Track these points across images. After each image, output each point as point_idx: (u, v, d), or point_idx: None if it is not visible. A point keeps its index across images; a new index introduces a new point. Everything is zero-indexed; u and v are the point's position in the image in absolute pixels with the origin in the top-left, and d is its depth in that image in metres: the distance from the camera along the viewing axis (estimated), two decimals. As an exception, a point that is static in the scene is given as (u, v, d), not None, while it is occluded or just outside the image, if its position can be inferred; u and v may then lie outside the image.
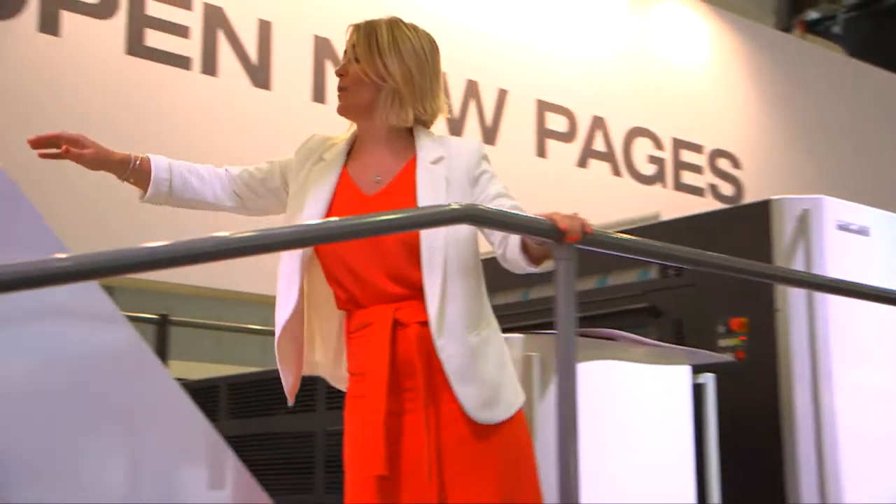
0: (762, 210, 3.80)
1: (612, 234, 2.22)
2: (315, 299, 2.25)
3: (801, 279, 3.00)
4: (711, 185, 7.57)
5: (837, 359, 3.55)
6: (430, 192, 2.18)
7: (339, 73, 2.28)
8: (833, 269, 3.59)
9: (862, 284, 2.89)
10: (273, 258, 2.16)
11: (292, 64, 5.89)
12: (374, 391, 2.07)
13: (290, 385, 2.25)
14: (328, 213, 2.19)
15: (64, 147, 2.21)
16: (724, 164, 7.67)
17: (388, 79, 2.21)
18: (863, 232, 3.74)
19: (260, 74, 5.78)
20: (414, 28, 2.32)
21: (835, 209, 3.72)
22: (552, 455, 1.94)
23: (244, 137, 5.49)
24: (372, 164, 2.26)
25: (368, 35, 2.24)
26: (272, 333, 2.23)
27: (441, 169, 2.22)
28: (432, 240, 2.13)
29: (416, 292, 2.13)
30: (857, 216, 3.76)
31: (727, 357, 3.41)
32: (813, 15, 9.52)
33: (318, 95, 5.90)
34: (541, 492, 2.16)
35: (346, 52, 2.29)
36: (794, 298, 3.60)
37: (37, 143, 2.24)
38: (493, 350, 2.19)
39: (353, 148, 2.31)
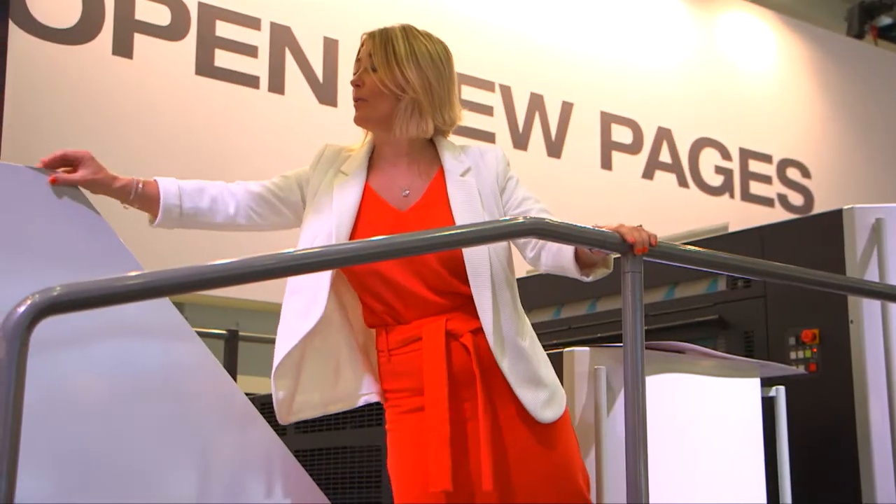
0: (834, 220, 3.74)
1: (681, 247, 2.20)
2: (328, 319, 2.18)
3: (876, 290, 2.93)
4: (780, 196, 7.46)
5: (914, 371, 3.47)
6: (466, 205, 2.17)
7: (356, 84, 2.23)
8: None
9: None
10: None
11: (357, 80, 5.95)
12: (436, 405, 2.06)
13: (284, 402, 2.21)
14: (356, 229, 2.16)
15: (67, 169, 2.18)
16: (793, 173, 7.55)
17: (408, 89, 2.18)
18: (939, 241, 3.65)
19: (326, 92, 5.85)
20: (428, 35, 2.27)
21: (909, 218, 3.64)
22: (621, 470, 1.93)
23: (311, 153, 5.55)
24: (396, 178, 2.23)
25: (385, 44, 2.21)
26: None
27: (471, 180, 2.21)
28: (475, 251, 2.13)
29: (462, 302, 2.14)
30: (933, 225, 3.67)
31: (798, 369, 3.35)
32: (885, 20, 9.35)
33: (383, 111, 5.95)
34: (588, 479, 2.20)
35: (359, 60, 2.25)
36: (868, 309, 3.53)
37: (49, 165, 2.19)
38: (539, 351, 2.22)
39: (371, 159, 2.28)
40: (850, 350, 3.53)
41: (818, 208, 7.23)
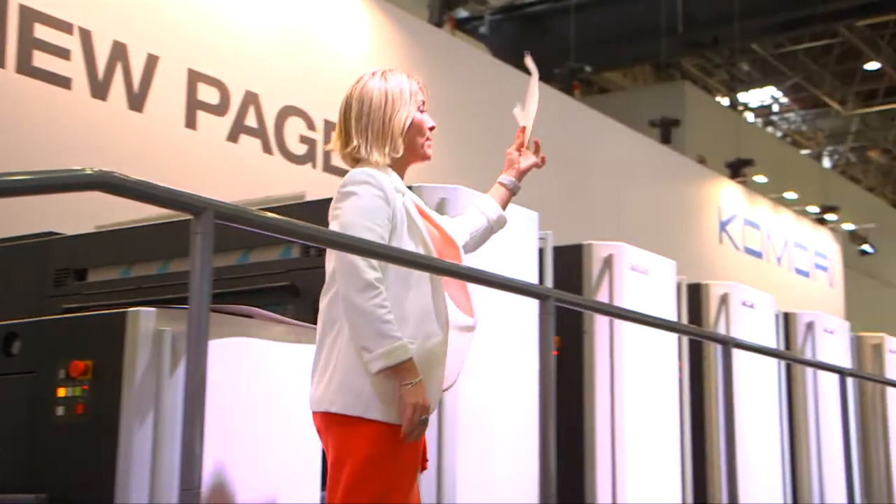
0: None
1: (255, 212, 2.19)
2: None
3: (432, 264, 3.10)
4: (360, 169, 7.74)
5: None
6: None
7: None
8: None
9: (486, 272, 3.05)
10: None
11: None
12: None
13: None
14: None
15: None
16: (372, 149, 7.86)
17: None
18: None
19: None
20: None
21: (469, 199, 3.93)
22: (177, 435, 1.89)
23: None
24: None
25: None
26: None
27: None
28: None
29: None
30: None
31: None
32: (462, 13, 10.01)
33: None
34: None
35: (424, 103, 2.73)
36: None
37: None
38: None
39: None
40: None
41: (393, 184, 7.59)
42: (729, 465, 3.40)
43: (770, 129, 19.54)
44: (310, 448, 2.93)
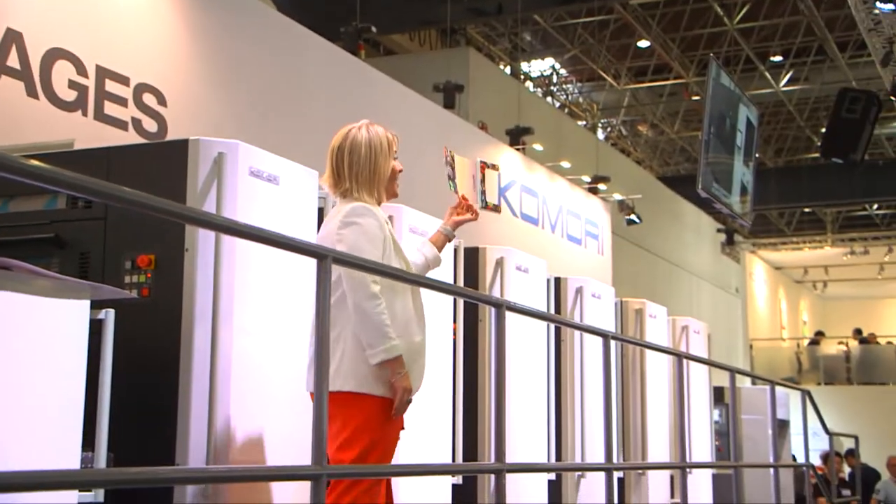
0: (180, 149, 3.80)
1: (19, 159, 2.04)
2: None
3: (214, 222, 3.01)
4: (135, 120, 7.40)
5: (238, 299, 3.68)
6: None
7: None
8: (243, 212, 3.70)
9: (267, 230, 2.99)
10: None
11: None
12: None
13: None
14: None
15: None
16: (149, 99, 7.54)
17: None
18: (273, 180, 3.91)
19: None
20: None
21: (248, 155, 3.84)
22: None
23: None
24: None
25: None
26: None
27: None
28: None
29: None
30: (269, 164, 3.91)
31: (131, 294, 3.37)
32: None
33: None
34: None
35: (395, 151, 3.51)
36: (202, 239, 3.66)
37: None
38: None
39: None
40: (184, 277, 3.64)
41: (171, 137, 7.31)
42: (497, 423, 3.50)
43: (549, 99, 20.20)
44: (71, 407, 2.80)
